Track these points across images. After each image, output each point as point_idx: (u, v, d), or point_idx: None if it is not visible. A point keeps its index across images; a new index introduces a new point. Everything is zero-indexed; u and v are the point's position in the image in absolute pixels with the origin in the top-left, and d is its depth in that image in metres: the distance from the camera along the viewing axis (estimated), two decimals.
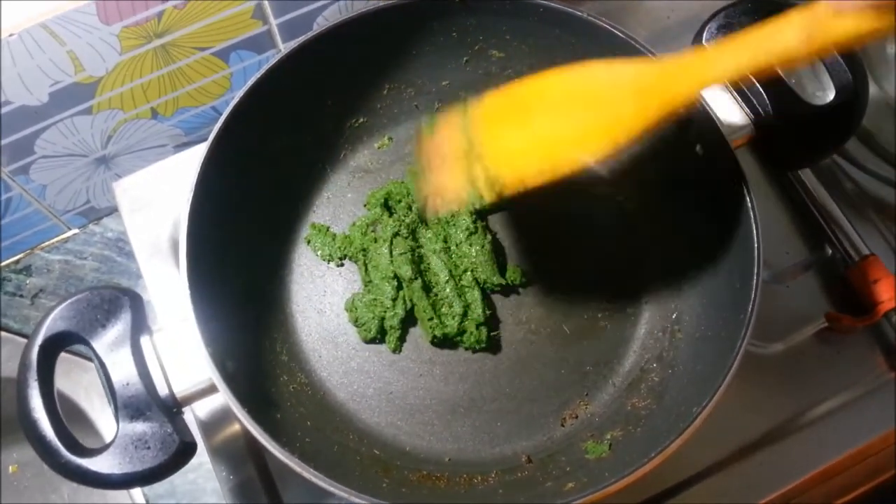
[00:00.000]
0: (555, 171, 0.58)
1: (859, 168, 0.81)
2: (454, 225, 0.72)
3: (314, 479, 0.53)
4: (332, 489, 0.53)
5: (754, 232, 0.60)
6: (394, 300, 0.69)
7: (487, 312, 0.69)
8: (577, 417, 0.68)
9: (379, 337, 0.70)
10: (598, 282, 0.73)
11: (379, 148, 0.78)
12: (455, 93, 0.78)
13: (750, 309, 0.58)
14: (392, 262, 0.70)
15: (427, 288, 0.70)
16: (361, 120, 0.77)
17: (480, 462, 0.66)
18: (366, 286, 0.71)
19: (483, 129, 0.62)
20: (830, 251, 0.80)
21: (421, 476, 0.64)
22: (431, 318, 0.69)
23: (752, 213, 0.60)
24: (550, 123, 0.59)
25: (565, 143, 0.58)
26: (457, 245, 0.71)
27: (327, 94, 0.73)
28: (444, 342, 0.70)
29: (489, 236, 0.72)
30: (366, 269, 0.72)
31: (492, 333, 0.70)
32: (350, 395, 0.69)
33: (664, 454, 0.53)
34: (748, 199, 0.60)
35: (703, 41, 0.66)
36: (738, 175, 0.61)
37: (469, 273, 0.70)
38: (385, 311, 0.69)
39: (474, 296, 0.69)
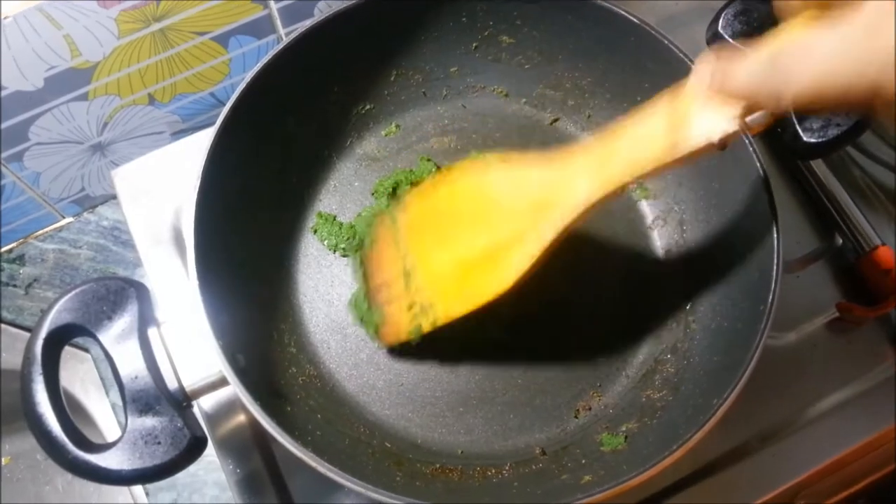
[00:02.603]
0: (476, 300, 0.59)
1: (871, 157, 0.80)
2: None
3: (329, 474, 0.52)
4: (346, 483, 0.52)
5: (773, 221, 0.59)
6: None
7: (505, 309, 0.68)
8: (590, 409, 0.67)
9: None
10: (610, 272, 0.72)
11: (386, 135, 0.77)
12: (464, 79, 0.76)
13: (770, 299, 0.57)
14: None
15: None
16: (368, 107, 0.76)
17: (493, 454, 0.66)
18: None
19: (411, 243, 0.64)
20: (841, 241, 0.79)
21: (434, 469, 0.63)
22: None
23: (770, 203, 0.59)
24: (463, 244, 0.61)
25: (480, 270, 0.59)
26: None
27: (333, 81, 0.72)
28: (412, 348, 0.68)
29: None
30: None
31: (508, 327, 0.69)
32: (360, 387, 0.68)
33: (686, 447, 0.53)
34: (767, 188, 0.60)
35: (720, 28, 0.65)
36: (756, 164, 0.60)
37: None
38: None
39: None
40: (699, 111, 0.46)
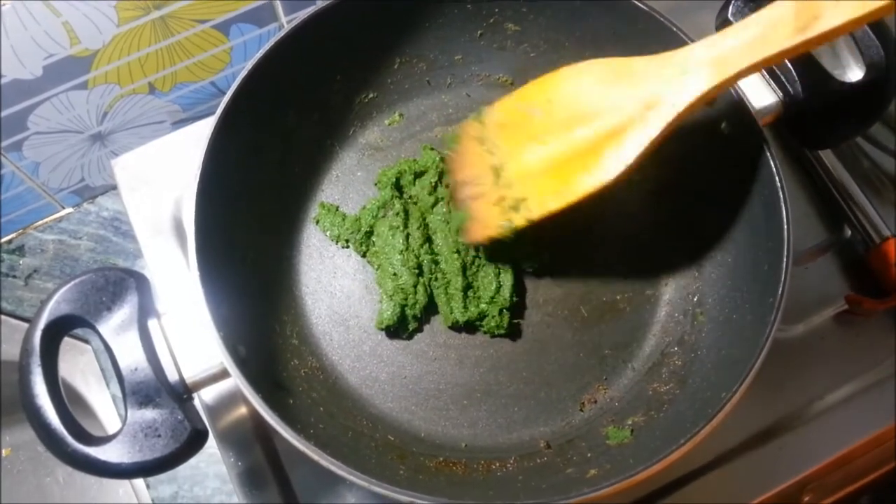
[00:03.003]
0: (574, 193, 0.58)
1: (880, 149, 0.80)
2: None
3: (331, 467, 0.51)
4: (349, 477, 0.51)
5: (784, 213, 0.58)
6: (415, 287, 0.67)
7: (514, 299, 0.68)
8: (596, 402, 0.67)
9: (396, 325, 0.68)
10: (617, 263, 0.71)
11: (389, 124, 0.76)
12: (468, 67, 0.76)
13: (780, 291, 0.56)
14: (407, 249, 0.68)
15: (450, 272, 0.68)
16: (371, 95, 0.75)
17: (498, 448, 0.65)
18: (381, 273, 0.69)
19: (500, 140, 0.63)
20: (850, 233, 0.79)
21: (438, 463, 0.63)
22: (452, 303, 0.67)
23: (781, 194, 0.58)
24: (560, 138, 0.59)
25: (579, 163, 0.58)
26: None
27: (336, 69, 0.71)
28: (463, 326, 0.68)
29: None
30: (378, 256, 0.70)
31: (514, 321, 0.68)
32: (362, 380, 0.67)
33: (694, 441, 0.52)
34: (778, 179, 0.59)
35: (730, 14, 0.64)
36: (767, 155, 0.59)
37: (504, 254, 0.68)
38: (406, 299, 0.67)
39: (506, 279, 0.68)
40: (830, 2, 0.46)
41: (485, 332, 0.68)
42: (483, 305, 0.67)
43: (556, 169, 0.59)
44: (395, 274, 0.67)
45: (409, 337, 0.69)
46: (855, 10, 0.46)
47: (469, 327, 0.69)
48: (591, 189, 0.58)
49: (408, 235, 0.68)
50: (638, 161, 0.56)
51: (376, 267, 0.69)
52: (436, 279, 0.68)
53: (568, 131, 0.59)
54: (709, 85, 0.53)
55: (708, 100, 0.54)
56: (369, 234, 0.70)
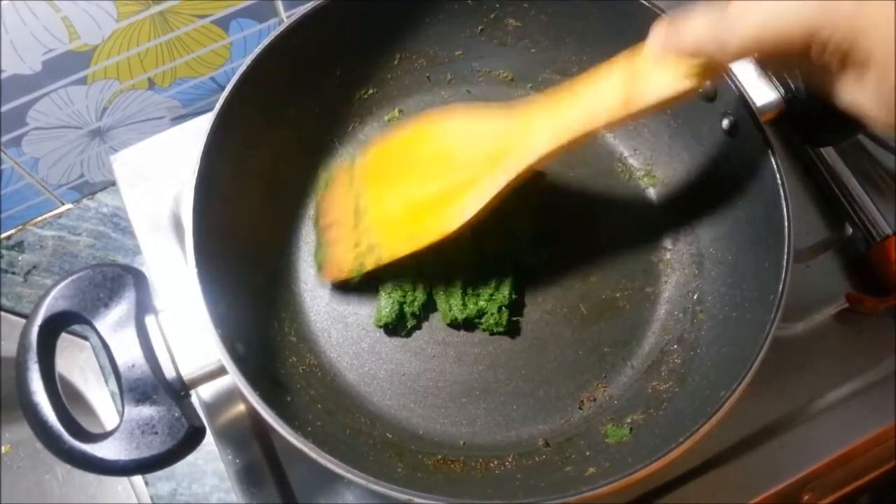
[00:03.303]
0: (422, 240, 0.61)
1: (882, 146, 0.79)
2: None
3: (329, 465, 0.51)
4: (347, 475, 0.51)
5: (785, 210, 0.58)
6: (413, 284, 0.67)
7: (514, 296, 0.68)
8: (595, 400, 0.66)
9: (395, 323, 0.67)
10: (616, 261, 0.71)
11: (389, 120, 0.76)
12: (469, 63, 0.75)
13: (780, 289, 0.56)
14: None
15: (449, 269, 0.67)
16: (371, 91, 0.75)
17: (496, 446, 0.65)
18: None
19: (366, 185, 0.67)
20: (851, 230, 0.78)
21: (436, 461, 0.63)
22: (451, 301, 0.67)
23: (782, 192, 0.58)
24: (417, 186, 0.63)
25: (430, 212, 0.61)
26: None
27: (335, 64, 0.71)
28: (461, 324, 0.68)
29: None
30: None
31: (513, 318, 0.68)
32: (361, 377, 0.67)
33: (693, 439, 0.52)
34: (779, 176, 0.58)
35: None
36: (768, 152, 0.59)
37: (504, 250, 0.68)
38: (405, 296, 0.67)
39: (506, 278, 0.67)
40: (653, 69, 0.50)
41: (484, 330, 0.68)
42: (482, 303, 0.67)
43: (410, 216, 0.63)
44: (392, 271, 0.67)
45: (408, 335, 0.69)
46: (673, 87, 0.49)
47: (468, 325, 0.68)
48: (439, 236, 0.60)
49: None
50: (484, 210, 0.59)
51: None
52: (435, 276, 0.67)
53: (426, 180, 0.62)
54: (546, 149, 0.56)
55: (549, 160, 0.57)
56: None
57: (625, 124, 0.56)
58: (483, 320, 0.67)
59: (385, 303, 0.67)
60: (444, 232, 0.60)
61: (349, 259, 0.65)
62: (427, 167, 0.63)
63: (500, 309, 0.67)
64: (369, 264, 0.64)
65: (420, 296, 0.67)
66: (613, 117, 0.52)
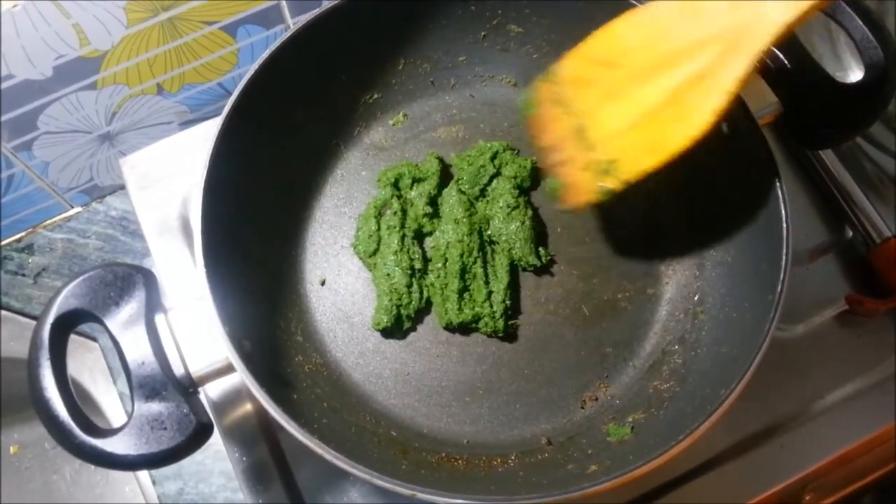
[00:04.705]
0: (667, 149, 0.55)
1: (880, 149, 0.80)
2: (492, 200, 0.71)
3: (334, 461, 0.52)
4: (352, 470, 0.52)
5: (783, 212, 0.59)
6: (409, 287, 0.68)
7: (508, 302, 0.68)
8: (597, 400, 0.67)
9: (393, 326, 0.68)
10: (618, 262, 0.72)
11: (394, 125, 0.77)
12: (472, 68, 0.76)
13: (779, 290, 0.56)
14: (401, 250, 0.68)
15: (445, 272, 0.68)
16: (376, 96, 0.76)
17: (499, 444, 0.65)
18: (376, 273, 0.69)
19: (578, 99, 0.60)
20: (851, 233, 0.79)
21: (440, 458, 0.63)
22: (448, 304, 0.67)
23: (780, 193, 0.59)
24: (639, 91, 0.56)
25: (667, 115, 0.55)
26: (491, 222, 0.70)
27: (341, 69, 0.72)
28: (459, 328, 0.69)
29: (530, 212, 0.71)
30: (374, 256, 0.70)
31: (510, 322, 0.69)
32: (366, 376, 0.68)
33: (692, 437, 0.53)
34: (777, 178, 0.59)
35: None
36: (766, 154, 0.60)
37: (503, 253, 0.69)
38: (400, 299, 0.68)
39: (498, 285, 0.68)
40: None
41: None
42: (478, 308, 0.67)
43: (642, 125, 0.56)
44: (388, 274, 0.68)
45: (403, 336, 0.69)
46: None
47: (464, 329, 0.69)
48: (687, 142, 0.54)
49: (403, 236, 0.69)
50: (728, 104, 0.53)
51: (372, 266, 0.70)
52: (433, 280, 0.68)
53: (647, 82, 0.56)
54: (786, 17, 0.49)
55: (787, 32, 0.50)
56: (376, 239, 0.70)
57: None
58: (480, 325, 0.68)
59: (381, 306, 0.68)
60: (690, 136, 0.54)
61: (587, 180, 0.59)
62: (641, 66, 0.56)
63: (494, 315, 0.67)
64: (614, 184, 0.58)
65: (415, 298, 0.68)
66: None
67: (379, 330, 0.69)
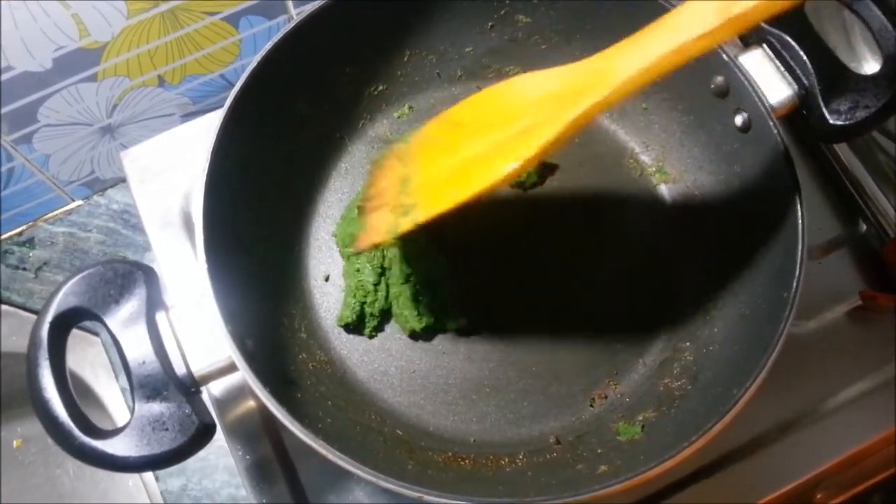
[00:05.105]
0: (464, 192, 0.54)
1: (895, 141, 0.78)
2: None
3: (339, 462, 0.51)
4: (357, 472, 0.51)
5: (798, 206, 0.57)
6: (376, 286, 0.67)
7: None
8: (606, 398, 0.66)
9: (357, 323, 0.67)
10: (628, 258, 0.71)
11: (399, 117, 0.76)
12: (479, 60, 0.75)
13: (794, 286, 0.55)
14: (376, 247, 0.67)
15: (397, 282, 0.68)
16: (381, 88, 0.74)
17: (507, 443, 0.65)
18: (347, 266, 0.69)
19: (415, 157, 0.62)
20: (864, 227, 0.78)
21: (446, 457, 0.62)
22: (406, 312, 0.67)
23: (796, 188, 0.58)
24: (472, 142, 0.57)
25: (481, 164, 0.55)
26: None
27: (346, 61, 0.71)
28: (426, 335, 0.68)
29: None
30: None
31: (470, 317, 0.68)
32: (371, 374, 0.67)
33: (706, 437, 0.52)
34: (793, 173, 0.58)
35: None
36: (782, 148, 0.59)
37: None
38: (366, 296, 0.67)
39: (433, 291, 0.68)
40: None
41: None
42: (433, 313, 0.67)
43: (457, 173, 0.57)
44: (357, 269, 0.67)
45: (371, 338, 0.69)
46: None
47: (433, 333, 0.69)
48: (481, 187, 0.54)
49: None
50: (534, 160, 0.53)
51: (346, 258, 0.69)
52: (390, 287, 0.68)
53: (479, 138, 0.57)
54: (629, 74, 0.50)
55: (623, 94, 0.51)
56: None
57: (717, 43, 0.49)
58: (447, 327, 0.68)
59: (347, 302, 0.67)
60: (491, 179, 0.53)
61: (387, 222, 0.60)
62: (482, 126, 0.58)
63: (449, 317, 0.67)
64: (405, 225, 0.58)
65: (381, 297, 0.67)
66: (708, 26, 0.47)
67: (342, 326, 0.68)
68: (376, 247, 0.63)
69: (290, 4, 0.77)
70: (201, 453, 0.62)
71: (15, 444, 0.90)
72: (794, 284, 0.55)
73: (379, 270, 0.67)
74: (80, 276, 0.54)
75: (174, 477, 0.76)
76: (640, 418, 0.63)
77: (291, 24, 0.63)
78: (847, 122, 0.61)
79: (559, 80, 0.54)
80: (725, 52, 0.61)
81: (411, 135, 0.64)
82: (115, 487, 0.88)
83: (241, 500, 0.74)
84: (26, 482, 0.89)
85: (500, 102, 0.58)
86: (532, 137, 0.52)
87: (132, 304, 0.54)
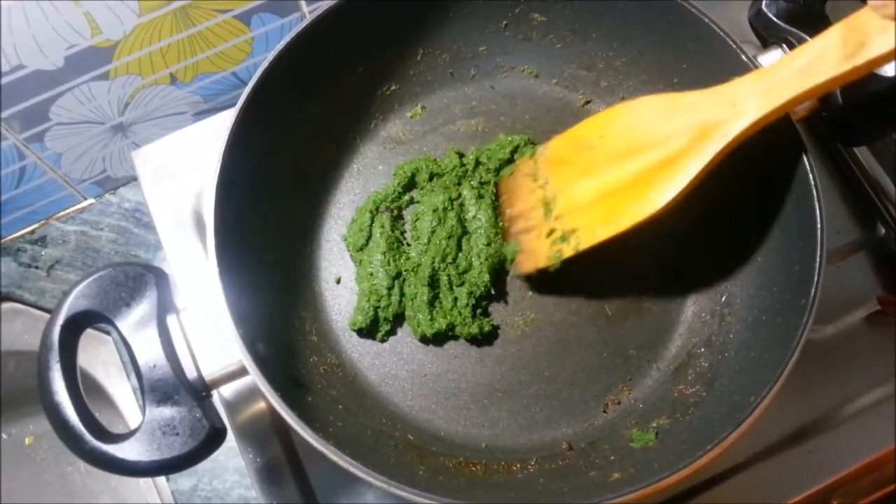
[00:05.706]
0: (621, 224, 0.60)
1: None
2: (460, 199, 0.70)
3: (349, 468, 0.51)
4: (368, 478, 0.51)
5: (817, 211, 0.56)
6: (389, 290, 0.67)
7: (475, 307, 0.67)
8: (619, 403, 0.65)
9: (369, 327, 0.67)
10: (642, 260, 0.70)
11: (412, 117, 0.75)
12: (493, 59, 0.74)
13: (813, 293, 0.55)
14: (389, 251, 0.67)
15: (417, 283, 0.67)
16: (393, 87, 0.74)
17: (518, 449, 0.64)
18: (360, 270, 0.68)
19: (552, 174, 0.65)
20: (884, 230, 0.77)
21: (458, 463, 0.62)
22: (419, 315, 0.66)
23: (815, 191, 0.57)
24: (610, 170, 0.61)
25: (630, 193, 0.59)
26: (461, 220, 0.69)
27: (358, 60, 0.70)
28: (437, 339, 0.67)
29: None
30: (361, 253, 0.69)
31: (488, 319, 0.67)
32: (382, 378, 0.67)
33: (722, 446, 0.51)
34: (811, 175, 0.57)
35: (763, 6, 0.62)
36: (800, 150, 0.58)
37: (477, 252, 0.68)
38: (380, 301, 0.66)
39: (462, 291, 0.67)
40: (877, 29, 0.48)
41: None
42: (449, 318, 0.66)
43: (606, 200, 0.61)
44: (371, 273, 0.67)
45: (383, 342, 0.68)
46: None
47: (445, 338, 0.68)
48: (641, 218, 0.58)
49: (396, 239, 0.68)
50: (688, 189, 0.56)
51: (358, 262, 0.68)
52: (405, 289, 0.67)
53: (619, 163, 0.60)
54: (758, 114, 0.54)
55: (758, 128, 0.55)
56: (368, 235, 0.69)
57: (841, 84, 0.53)
58: (457, 332, 0.66)
59: (360, 306, 0.66)
60: (646, 214, 0.58)
61: (544, 248, 0.64)
62: (617, 150, 0.61)
63: (465, 321, 0.66)
64: (568, 251, 0.63)
65: (395, 302, 0.67)
66: (832, 73, 0.50)
67: (355, 330, 0.67)
68: (539, 270, 0.66)
69: (303, 3, 0.77)
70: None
71: (27, 441, 0.90)
72: (813, 291, 0.55)
73: (394, 275, 0.67)
74: (91, 278, 0.54)
75: (185, 477, 0.76)
76: (654, 425, 0.62)
77: (305, 23, 0.63)
78: (868, 126, 0.60)
79: (691, 110, 0.57)
80: (745, 53, 0.60)
81: (538, 152, 0.68)
82: (125, 485, 0.89)
83: (252, 500, 0.74)
84: (38, 479, 0.89)
85: (628, 127, 0.61)
86: (677, 172, 0.57)
87: (143, 307, 0.54)
